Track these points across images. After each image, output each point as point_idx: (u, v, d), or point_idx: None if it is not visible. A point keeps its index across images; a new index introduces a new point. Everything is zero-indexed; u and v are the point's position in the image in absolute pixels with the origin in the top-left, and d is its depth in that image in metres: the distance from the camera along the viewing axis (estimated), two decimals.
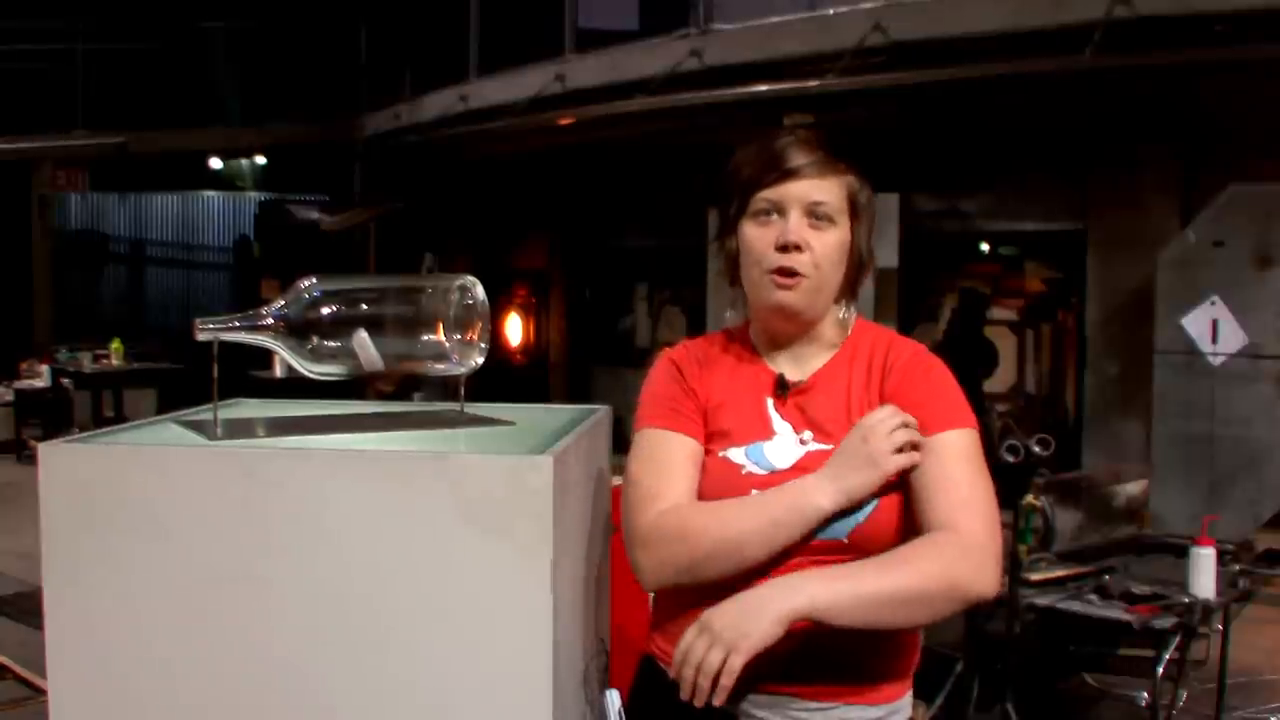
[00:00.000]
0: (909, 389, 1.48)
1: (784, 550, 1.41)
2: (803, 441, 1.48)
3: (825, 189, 1.48)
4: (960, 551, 1.37)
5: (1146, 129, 6.76)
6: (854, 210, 1.50)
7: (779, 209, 1.48)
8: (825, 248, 1.47)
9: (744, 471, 1.47)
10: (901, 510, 1.44)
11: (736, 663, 1.32)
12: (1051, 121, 7.06)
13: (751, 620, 1.33)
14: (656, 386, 1.58)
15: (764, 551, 1.41)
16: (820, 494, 1.40)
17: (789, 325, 1.53)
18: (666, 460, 1.50)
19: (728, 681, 1.33)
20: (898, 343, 1.55)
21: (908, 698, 1.52)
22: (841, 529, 1.41)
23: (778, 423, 1.50)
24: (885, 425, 1.40)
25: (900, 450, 1.40)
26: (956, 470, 1.43)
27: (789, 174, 1.47)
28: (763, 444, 1.49)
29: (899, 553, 1.39)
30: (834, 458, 1.42)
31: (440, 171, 10.87)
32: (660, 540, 1.46)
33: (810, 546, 1.42)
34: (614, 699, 1.55)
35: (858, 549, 1.41)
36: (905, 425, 1.41)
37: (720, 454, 1.50)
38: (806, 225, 1.47)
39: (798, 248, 1.46)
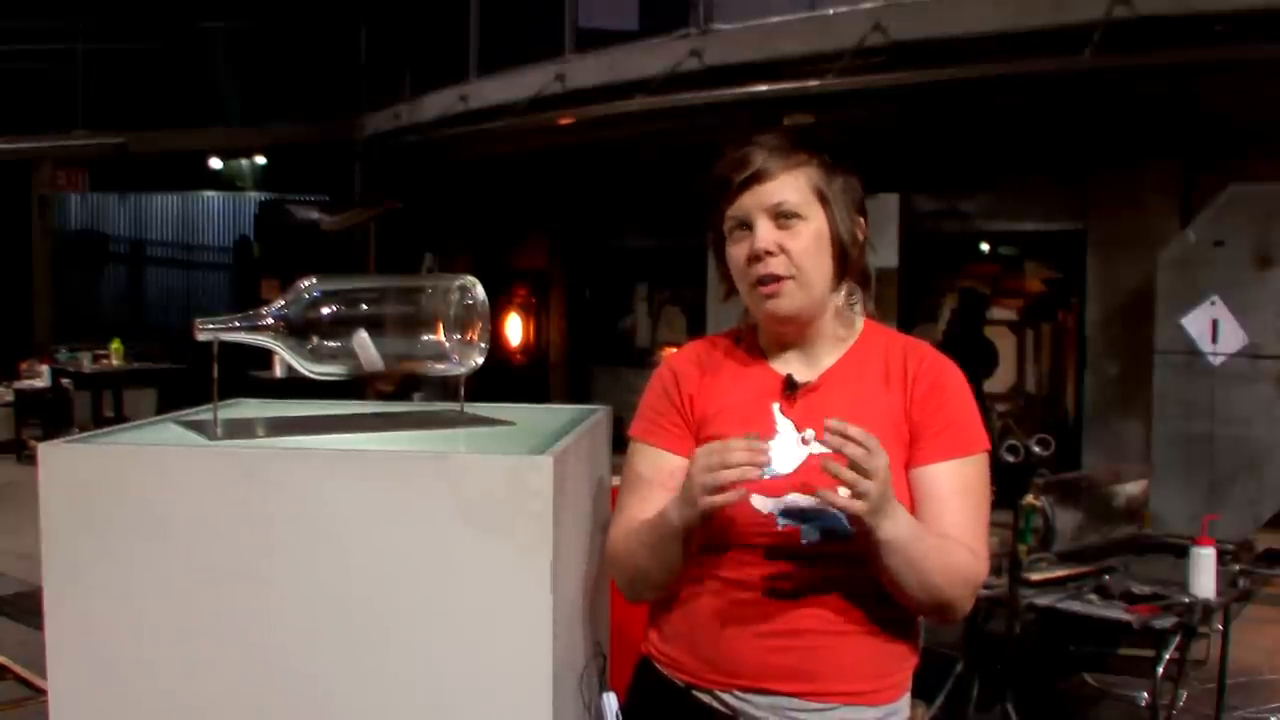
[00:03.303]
0: (934, 409, 1.49)
1: (765, 537, 1.44)
2: (804, 441, 1.47)
3: (783, 187, 1.47)
4: (978, 583, 1.47)
5: (1146, 129, 6.75)
6: (822, 198, 1.49)
7: (746, 222, 1.49)
8: (799, 244, 1.47)
9: None
10: (909, 510, 1.44)
11: (852, 507, 1.33)
12: (1051, 121, 7.05)
13: (880, 503, 1.33)
14: (648, 394, 1.61)
15: (664, 570, 1.48)
16: (670, 518, 1.43)
17: (790, 328, 1.53)
18: (634, 480, 1.56)
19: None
20: (915, 348, 1.55)
21: (906, 699, 1.53)
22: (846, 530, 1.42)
23: (780, 422, 1.50)
24: (702, 464, 1.36)
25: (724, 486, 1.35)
26: (979, 495, 1.49)
27: (745, 185, 1.47)
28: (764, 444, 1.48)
29: (952, 549, 1.43)
30: (683, 481, 1.42)
31: (440, 171, 10.87)
32: (608, 565, 1.59)
33: (806, 531, 1.43)
34: (611, 701, 1.55)
35: (861, 541, 1.41)
36: (723, 464, 1.34)
37: None
38: (774, 229, 1.47)
39: (769, 253, 1.46)
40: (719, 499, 1.35)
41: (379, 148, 11.42)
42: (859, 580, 1.43)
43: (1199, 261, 6.00)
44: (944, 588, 1.41)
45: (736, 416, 1.51)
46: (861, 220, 1.53)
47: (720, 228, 1.52)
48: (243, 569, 1.40)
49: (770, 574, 1.44)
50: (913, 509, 1.46)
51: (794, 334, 1.54)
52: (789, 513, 1.44)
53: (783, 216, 1.47)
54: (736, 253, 1.50)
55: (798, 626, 1.44)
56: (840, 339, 1.55)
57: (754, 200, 1.47)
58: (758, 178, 1.47)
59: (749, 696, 1.46)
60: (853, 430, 1.30)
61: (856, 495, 1.31)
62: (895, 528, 1.36)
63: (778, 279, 1.47)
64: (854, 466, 1.30)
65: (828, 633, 1.44)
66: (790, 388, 1.51)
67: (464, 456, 1.45)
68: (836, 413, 1.45)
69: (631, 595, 1.58)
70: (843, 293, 1.54)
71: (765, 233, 1.47)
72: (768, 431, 1.49)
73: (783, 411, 1.50)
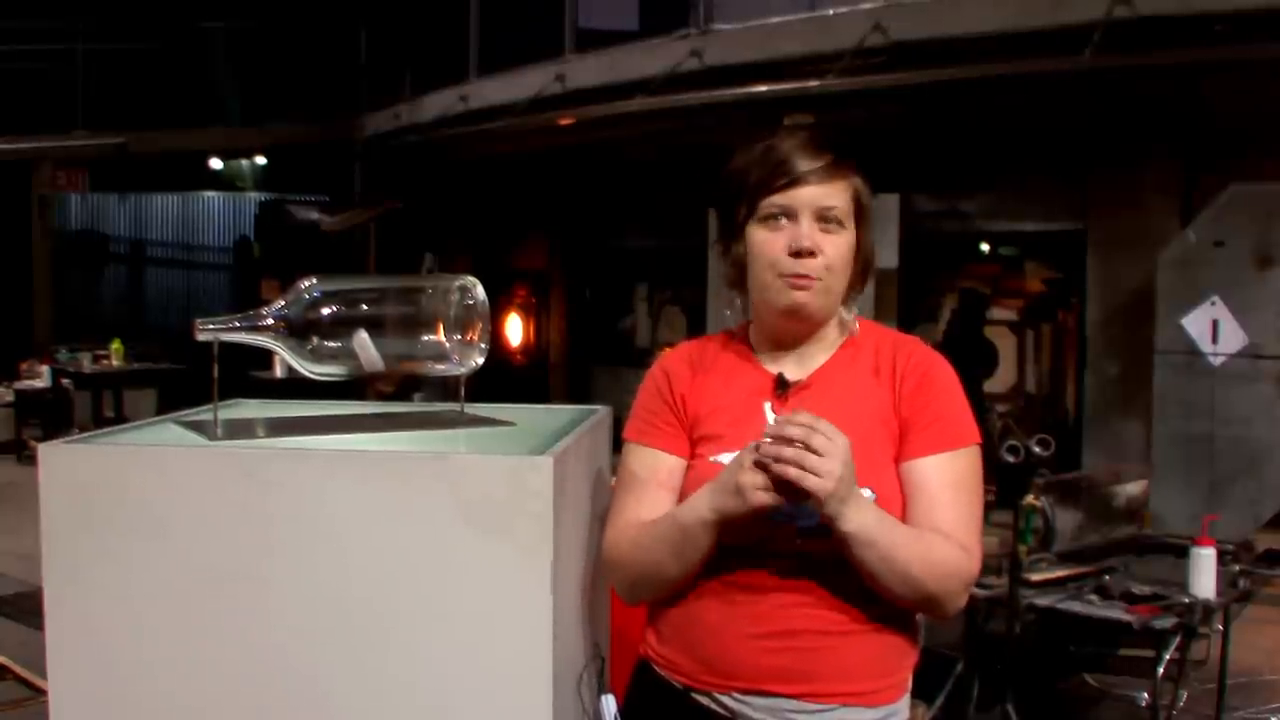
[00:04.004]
0: (922, 403, 1.49)
1: (761, 537, 1.43)
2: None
3: (834, 193, 1.48)
4: (969, 578, 1.46)
5: (1146, 129, 6.75)
6: (859, 212, 1.51)
7: (789, 214, 1.48)
8: (837, 251, 1.48)
9: None
10: (899, 504, 1.45)
11: (807, 484, 1.33)
12: (1051, 121, 7.05)
13: (844, 487, 1.34)
14: (641, 395, 1.61)
15: (682, 567, 1.46)
16: (701, 511, 1.42)
17: (799, 326, 1.53)
18: (629, 481, 1.56)
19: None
20: (904, 344, 1.55)
21: (906, 699, 1.52)
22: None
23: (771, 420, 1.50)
24: (754, 459, 1.36)
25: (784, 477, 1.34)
26: (970, 488, 1.48)
27: (799, 179, 1.47)
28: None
29: (934, 542, 1.42)
30: (720, 474, 1.42)
31: (440, 171, 10.87)
32: (608, 567, 1.57)
33: (801, 530, 1.43)
34: (609, 704, 1.55)
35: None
36: (776, 459, 1.34)
37: (712, 459, 1.50)
38: (818, 230, 1.47)
39: (811, 253, 1.46)
40: (771, 498, 1.35)
41: (379, 148, 11.42)
42: (855, 579, 1.42)
43: (1199, 261, 5.99)
44: (926, 582, 1.41)
45: (729, 416, 1.51)
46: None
47: (753, 209, 1.50)
48: (243, 569, 1.40)
49: (765, 574, 1.44)
50: (904, 504, 1.46)
51: (794, 334, 1.54)
52: (783, 511, 1.43)
53: (826, 220, 1.47)
54: (771, 239, 1.48)
55: (794, 627, 1.44)
56: (833, 342, 1.56)
57: (806, 197, 1.47)
58: (812, 177, 1.47)
59: (747, 698, 1.46)
60: (790, 429, 1.32)
61: (815, 474, 1.32)
62: (860, 517, 1.36)
63: (810, 278, 1.47)
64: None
65: (825, 633, 1.44)
66: (781, 386, 1.52)
67: (464, 457, 1.45)
68: (827, 410, 1.45)
69: (632, 598, 1.57)
70: (847, 303, 1.55)
71: (811, 231, 1.47)
72: (760, 429, 1.49)
73: (774, 410, 1.50)
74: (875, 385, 1.51)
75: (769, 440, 1.34)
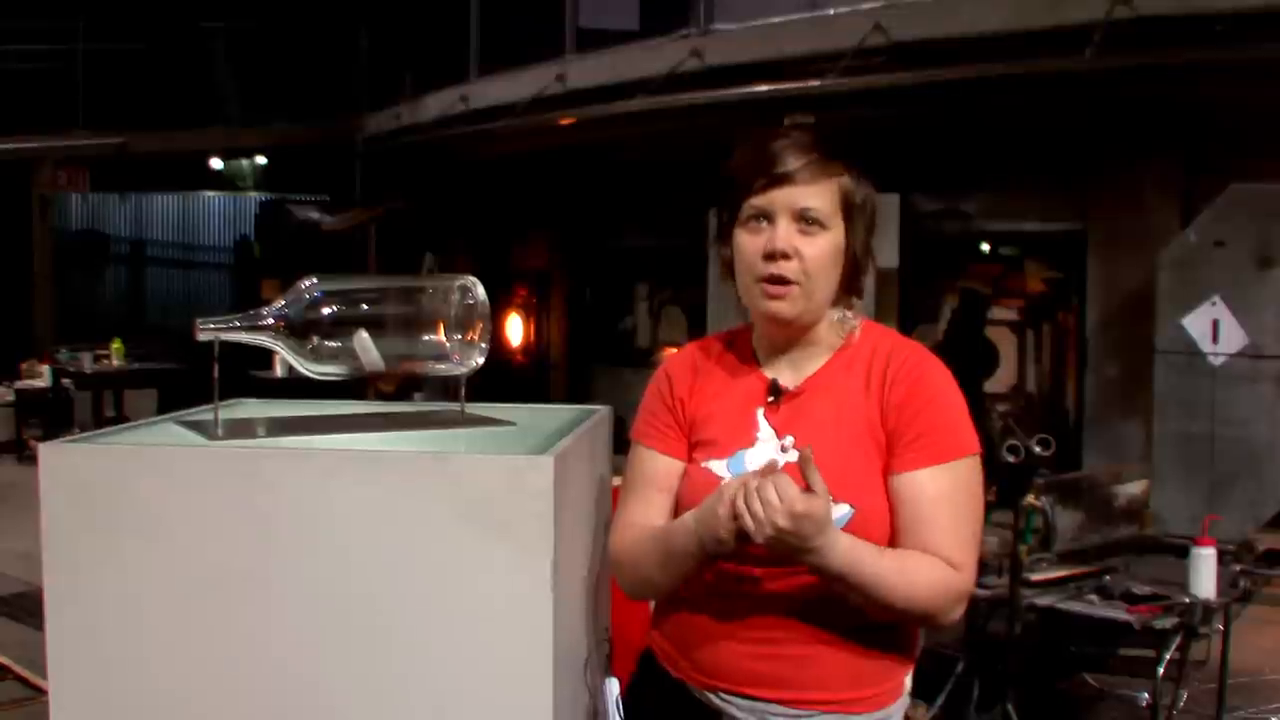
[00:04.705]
0: (911, 414, 1.45)
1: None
2: (783, 449, 1.46)
3: (815, 194, 1.44)
4: (959, 594, 1.43)
5: (1146, 129, 6.75)
6: (848, 212, 1.47)
7: (768, 216, 1.45)
8: (816, 253, 1.44)
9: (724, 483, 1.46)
10: (884, 517, 1.43)
11: (757, 538, 1.32)
12: (1051, 121, 7.05)
13: (805, 536, 1.32)
14: (645, 396, 1.61)
15: (671, 581, 1.48)
16: (690, 545, 1.41)
17: (784, 331, 1.51)
18: (633, 481, 1.56)
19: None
20: (899, 349, 1.51)
21: (899, 703, 1.51)
22: None
23: (763, 429, 1.48)
24: (730, 504, 1.34)
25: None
26: (961, 501, 1.44)
27: (778, 180, 1.44)
28: (744, 452, 1.48)
29: (918, 567, 1.40)
30: (705, 502, 1.40)
31: (440, 171, 10.87)
32: (613, 566, 1.58)
33: None
34: (612, 687, 1.57)
35: None
36: (757, 505, 1.31)
37: (703, 464, 1.49)
38: (795, 232, 1.44)
39: (785, 256, 1.43)
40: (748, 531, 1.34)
41: (379, 148, 11.42)
42: None
43: (1199, 261, 5.99)
44: (908, 609, 1.40)
45: (723, 421, 1.51)
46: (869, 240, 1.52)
47: (736, 211, 1.49)
48: (243, 569, 1.40)
49: (760, 577, 1.44)
50: (893, 516, 1.44)
51: (787, 337, 1.52)
52: None
53: (805, 221, 1.44)
54: (750, 242, 1.46)
55: (784, 635, 1.44)
56: (830, 345, 1.53)
57: (783, 198, 1.44)
58: (792, 178, 1.44)
59: (731, 698, 1.47)
60: (728, 491, 1.33)
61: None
62: (825, 560, 1.34)
63: (785, 282, 1.45)
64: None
65: (811, 641, 1.44)
66: (774, 393, 1.50)
67: (464, 456, 1.45)
68: (814, 420, 1.46)
69: (635, 596, 1.59)
70: (840, 305, 1.52)
71: (785, 233, 1.44)
72: (750, 435, 1.49)
73: (766, 417, 1.49)
74: (865, 394, 1.48)
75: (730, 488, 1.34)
